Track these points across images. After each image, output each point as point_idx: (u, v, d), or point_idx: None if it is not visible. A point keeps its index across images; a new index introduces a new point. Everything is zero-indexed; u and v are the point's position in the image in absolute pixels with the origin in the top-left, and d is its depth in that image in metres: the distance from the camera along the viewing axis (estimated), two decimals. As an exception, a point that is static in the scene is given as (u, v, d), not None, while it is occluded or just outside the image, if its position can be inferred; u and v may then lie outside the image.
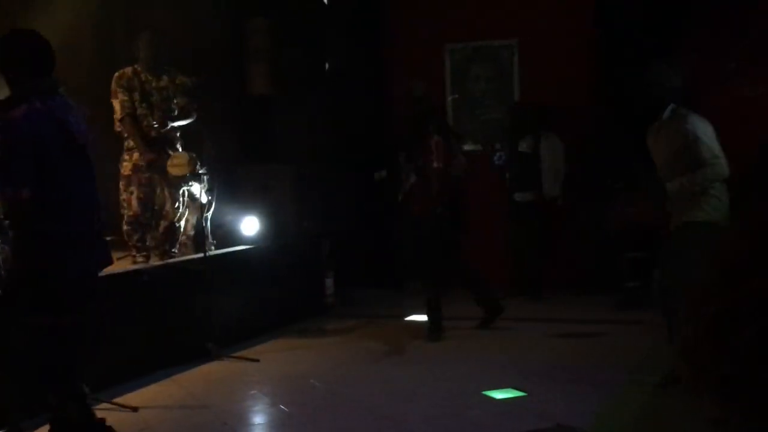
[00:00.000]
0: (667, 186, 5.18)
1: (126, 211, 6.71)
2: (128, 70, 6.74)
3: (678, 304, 5.11)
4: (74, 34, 8.06)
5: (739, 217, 1.02)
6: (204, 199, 6.79)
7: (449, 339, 6.86)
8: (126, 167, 6.69)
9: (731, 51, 8.21)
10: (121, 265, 6.75)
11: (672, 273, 5.15)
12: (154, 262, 6.64)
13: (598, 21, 8.59)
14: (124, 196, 6.71)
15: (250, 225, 7.48)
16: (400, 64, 9.23)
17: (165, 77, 6.80)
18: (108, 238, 7.73)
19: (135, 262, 6.69)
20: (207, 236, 6.71)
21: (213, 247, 6.93)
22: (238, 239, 7.42)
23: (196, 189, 6.74)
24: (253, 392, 5.57)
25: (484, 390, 5.29)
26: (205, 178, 6.67)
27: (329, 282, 8.19)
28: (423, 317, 7.54)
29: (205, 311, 6.29)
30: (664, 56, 8.20)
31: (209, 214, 6.80)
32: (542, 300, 8.19)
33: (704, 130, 5.13)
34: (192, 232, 7.00)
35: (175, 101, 6.78)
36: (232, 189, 7.68)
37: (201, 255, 6.47)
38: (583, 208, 8.24)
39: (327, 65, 8.94)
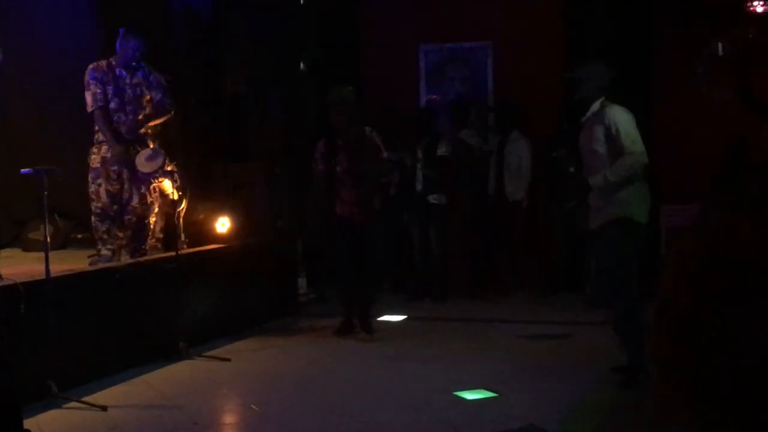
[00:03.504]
0: (590, 180, 5.23)
1: (94, 203, 6.64)
2: (103, 63, 6.64)
3: (606, 300, 5.22)
4: (47, 28, 8.03)
5: (700, 217, 1.04)
6: (175, 196, 6.74)
7: (421, 339, 6.89)
8: (94, 160, 6.59)
9: (698, 55, 8.30)
10: (89, 259, 6.71)
11: (599, 270, 5.25)
12: (124, 259, 6.58)
13: (568, 25, 8.68)
14: (92, 188, 6.62)
15: (222, 223, 7.45)
16: (375, 64, 9.24)
17: (139, 73, 6.73)
18: (79, 236, 7.78)
19: (100, 255, 6.62)
20: (179, 235, 6.67)
21: (185, 246, 6.89)
22: (210, 238, 7.39)
23: (167, 185, 6.68)
24: (224, 392, 5.56)
25: (456, 390, 5.31)
26: (177, 175, 6.62)
27: (302, 281, 8.18)
28: (395, 317, 7.59)
29: (177, 310, 6.26)
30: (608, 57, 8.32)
31: (182, 212, 6.76)
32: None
33: (625, 119, 5.17)
34: (161, 235, 6.94)
35: (145, 97, 6.71)
36: (205, 187, 7.65)
37: (173, 253, 6.43)
38: (552, 208, 8.29)
39: (301, 65, 8.93)
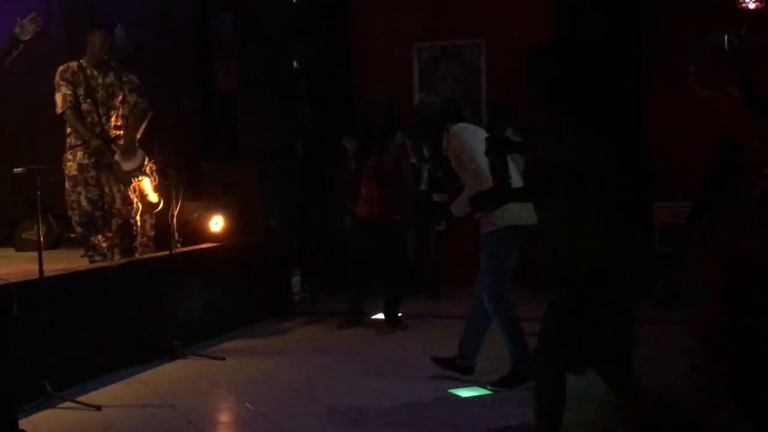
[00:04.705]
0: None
1: (76, 212, 6.56)
2: (73, 64, 6.58)
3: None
4: (45, 29, 8.00)
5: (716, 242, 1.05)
6: (156, 196, 6.72)
7: (415, 337, 6.89)
8: (71, 167, 6.51)
9: (690, 54, 8.30)
10: (81, 263, 6.69)
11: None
12: (116, 259, 6.55)
13: (560, 21, 8.69)
14: (72, 197, 6.54)
15: (216, 222, 7.44)
16: (368, 62, 9.24)
17: (111, 74, 6.67)
18: (72, 235, 7.77)
19: (93, 262, 6.59)
20: (173, 234, 6.66)
21: (179, 245, 6.87)
22: (203, 237, 7.38)
23: (146, 185, 6.65)
24: (218, 391, 5.55)
25: (451, 388, 5.32)
26: (167, 172, 6.60)
27: (296, 280, 8.18)
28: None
29: (171, 309, 6.25)
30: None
31: (175, 211, 6.74)
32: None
33: (465, 138, 5.30)
34: (152, 233, 6.92)
35: (118, 98, 6.65)
36: (198, 186, 7.63)
37: (166, 252, 6.42)
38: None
39: (294, 63, 8.92)
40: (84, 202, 6.52)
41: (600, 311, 3.46)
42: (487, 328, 5.47)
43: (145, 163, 6.57)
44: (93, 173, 6.51)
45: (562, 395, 3.67)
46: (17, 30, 5.49)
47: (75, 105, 6.49)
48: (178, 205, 6.87)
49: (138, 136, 6.67)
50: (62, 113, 6.49)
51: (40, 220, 5.36)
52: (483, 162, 4.85)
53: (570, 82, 3.92)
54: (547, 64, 4.61)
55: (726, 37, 5.41)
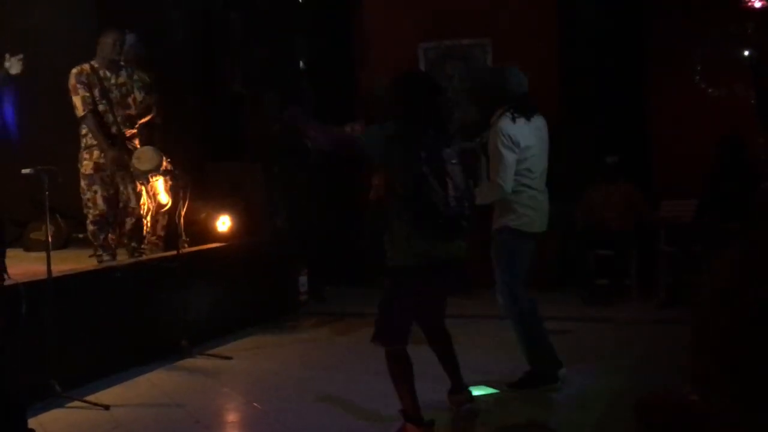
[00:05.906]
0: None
1: (91, 211, 6.62)
2: (86, 66, 6.63)
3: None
4: (45, 30, 8.03)
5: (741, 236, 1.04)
6: (167, 197, 6.75)
7: (420, 337, 6.88)
8: (87, 166, 6.58)
9: (695, 53, 8.31)
10: (89, 264, 6.72)
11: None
12: (123, 259, 6.59)
13: (561, 23, 8.69)
14: (88, 195, 6.61)
15: (223, 222, 7.46)
16: (373, 62, 9.24)
17: (123, 73, 6.72)
18: (80, 235, 7.80)
19: (101, 262, 6.63)
20: (180, 234, 6.68)
21: (186, 245, 6.90)
22: (210, 237, 7.40)
23: (159, 185, 6.69)
24: (225, 390, 5.57)
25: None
26: (172, 174, 6.64)
27: (303, 279, 8.19)
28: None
29: (178, 309, 6.27)
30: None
31: (183, 211, 6.77)
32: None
33: (502, 144, 4.96)
34: (162, 233, 6.95)
35: (131, 97, 6.71)
36: (204, 186, 7.65)
37: (173, 252, 6.44)
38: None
39: (300, 63, 8.93)
40: (100, 201, 6.58)
41: (407, 296, 4.40)
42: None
43: (163, 163, 6.60)
44: (108, 172, 6.58)
45: (406, 363, 4.50)
46: (7, 65, 5.62)
47: (94, 107, 6.54)
48: (185, 205, 6.90)
49: (136, 129, 6.72)
50: (84, 116, 6.54)
51: (48, 220, 5.39)
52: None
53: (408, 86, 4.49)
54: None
55: (747, 52, 5.42)
